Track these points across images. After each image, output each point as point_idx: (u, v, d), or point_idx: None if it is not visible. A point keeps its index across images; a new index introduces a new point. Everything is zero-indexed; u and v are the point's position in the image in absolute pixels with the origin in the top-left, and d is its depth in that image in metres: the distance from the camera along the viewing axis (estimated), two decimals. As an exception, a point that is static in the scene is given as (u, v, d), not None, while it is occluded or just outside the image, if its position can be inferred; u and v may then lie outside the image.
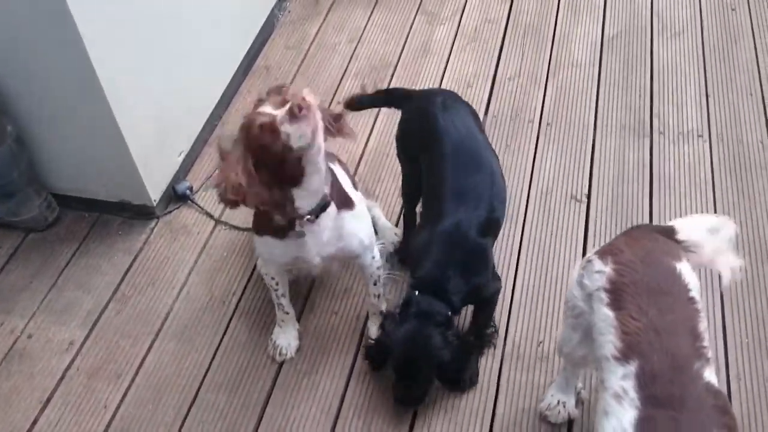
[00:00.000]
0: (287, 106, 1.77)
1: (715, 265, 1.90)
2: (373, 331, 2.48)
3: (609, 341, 1.67)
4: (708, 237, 1.88)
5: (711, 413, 1.53)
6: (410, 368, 2.22)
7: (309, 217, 2.01)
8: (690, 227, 1.90)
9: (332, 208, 2.06)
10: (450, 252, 2.19)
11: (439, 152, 2.30)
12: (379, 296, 2.44)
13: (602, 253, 1.81)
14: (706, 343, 1.64)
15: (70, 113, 2.63)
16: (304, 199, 1.98)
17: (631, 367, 1.60)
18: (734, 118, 3.12)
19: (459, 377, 2.29)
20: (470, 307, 2.43)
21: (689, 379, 1.56)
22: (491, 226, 2.27)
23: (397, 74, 3.45)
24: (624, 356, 1.62)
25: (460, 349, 2.21)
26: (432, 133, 2.33)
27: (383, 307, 2.48)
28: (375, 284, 2.40)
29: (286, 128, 1.77)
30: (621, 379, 1.60)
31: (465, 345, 2.25)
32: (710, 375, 1.59)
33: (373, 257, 2.34)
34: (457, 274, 2.18)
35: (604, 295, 1.73)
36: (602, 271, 1.76)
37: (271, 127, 1.79)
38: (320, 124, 1.83)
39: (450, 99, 2.44)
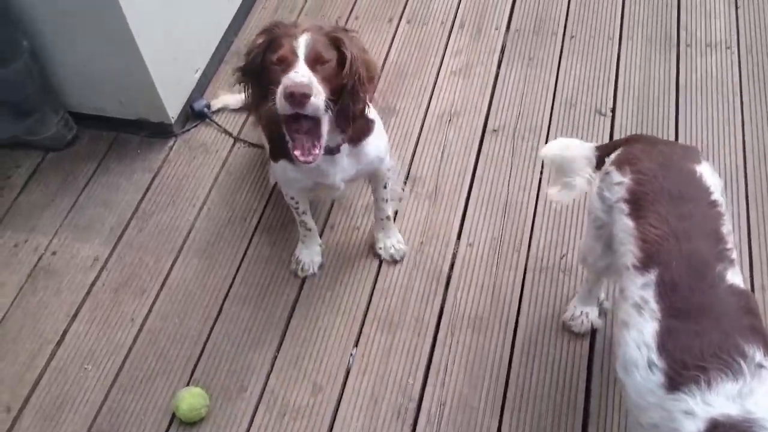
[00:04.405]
0: (288, 86, 1.75)
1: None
2: (379, 237, 2.48)
3: (629, 251, 1.64)
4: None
5: (734, 317, 1.49)
6: None
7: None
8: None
9: (344, 146, 2.07)
10: None
11: None
12: (387, 200, 2.43)
13: (619, 163, 1.76)
14: (729, 245, 1.59)
15: (85, 26, 2.57)
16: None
17: (651, 276, 1.57)
18: (764, 28, 3.02)
19: None
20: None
21: (710, 284, 1.52)
22: None
23: (414, -10, 3.35)
24: (644, 265, 1.59)
25: None
26: None
27: (390, 212, 2.46)
28: (384, 187, 2.38)
29: (280, 101, 1.78)
30: (641, 289, 1.57)
31: None
32: (733, 276, 1.55)
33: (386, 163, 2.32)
34: None
35: (624, 206, 1.70)
36: (621, 182, 1.72)
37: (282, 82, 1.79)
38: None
39: None
